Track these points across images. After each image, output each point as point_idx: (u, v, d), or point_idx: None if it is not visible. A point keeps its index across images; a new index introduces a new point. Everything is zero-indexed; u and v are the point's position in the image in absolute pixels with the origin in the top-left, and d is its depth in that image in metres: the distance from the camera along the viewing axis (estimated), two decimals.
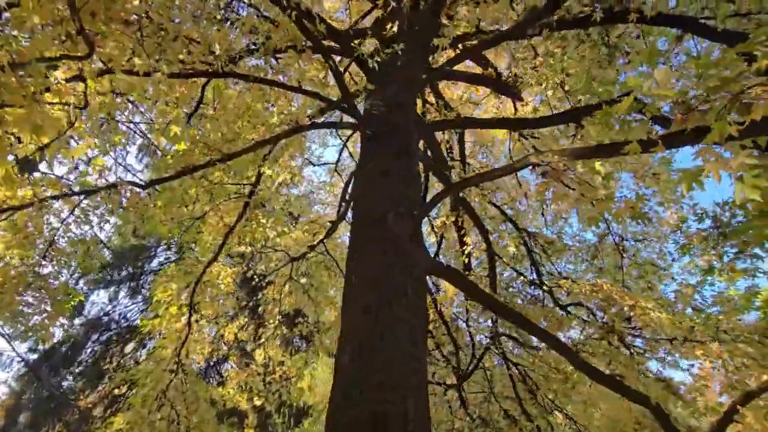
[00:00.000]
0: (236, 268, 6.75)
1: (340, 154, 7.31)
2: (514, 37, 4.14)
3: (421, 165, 4.82)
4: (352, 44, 3.47)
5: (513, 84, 4.65)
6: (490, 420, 5.80)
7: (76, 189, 3.91)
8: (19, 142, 3.12)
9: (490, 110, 7.07)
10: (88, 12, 2.22)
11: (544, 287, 5.15)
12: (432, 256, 4.64)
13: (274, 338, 7.91)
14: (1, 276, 3.73)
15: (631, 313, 4.39)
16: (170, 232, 5.59)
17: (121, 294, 12.88)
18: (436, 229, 6.37)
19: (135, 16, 2.77)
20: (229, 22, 3.93)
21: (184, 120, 4.26)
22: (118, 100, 3.83)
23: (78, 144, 3.22)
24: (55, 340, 11.63)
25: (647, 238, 5.16)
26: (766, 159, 1.36)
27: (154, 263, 13.06)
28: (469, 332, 6.19)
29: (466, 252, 5.49)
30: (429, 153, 4.95)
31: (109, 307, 12.71)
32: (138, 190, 4.52)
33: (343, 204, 6.83)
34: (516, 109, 6.25)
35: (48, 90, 2.38)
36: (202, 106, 4.78)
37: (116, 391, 8.84)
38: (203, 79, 4.49)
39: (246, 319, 8.03)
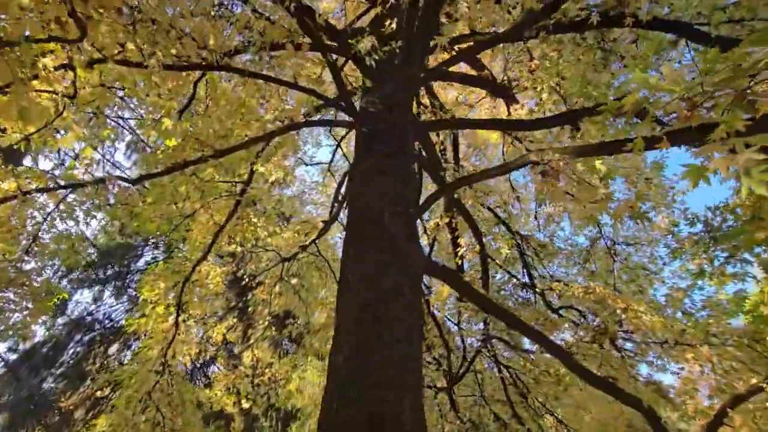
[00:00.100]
0: (226, 268, 6.64)
1: (333, 154, 7.28)
2: (511, 39, 4.16)
3: (415, 165, 4.81)
4: (350, 41, 3.44)
5: (508, 86, 4.66)
6: (480, 423, 5.77)
7: (62, 182, 3.80)
8: (3, 132, 3.02)
9: (484, 113, 7.09)
10: None
11: (537, 290, 5.16)
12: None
13: (263, 340, 7.80)
14: None
15: (623, 316, 4.41)
16: (159, 230, 5.48)
17: (106, 294, 12.61)
18: (428, 231, 6.35)
19: (127, 7, 2.70)
20: (223, 19, 3.87)
21: (175, 114, 4.18)
22: (108, 94, 3.74)
23: (65, 135, 3.12)
24: (36, 340, 11.32)
25: (639, 242, 5.21)
26: None
27: (141, 262, 12.83)
28: (461, 335, 6.17)
29: (459, 254, 5.48)
30: (423, 153, 4.93)
31: (93, 306, 12.43)
32: (127, 185, 4.42)
33: (336, 204, 6.77)
34: (509, 112, 6.27)
35: (36, 77, 2.30)
36: (194, 102, 4.70)
37: (99, 393, 8.62)
38: (196, 75, 4.42)
39: (235, 320, 7.91)
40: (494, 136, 7.13)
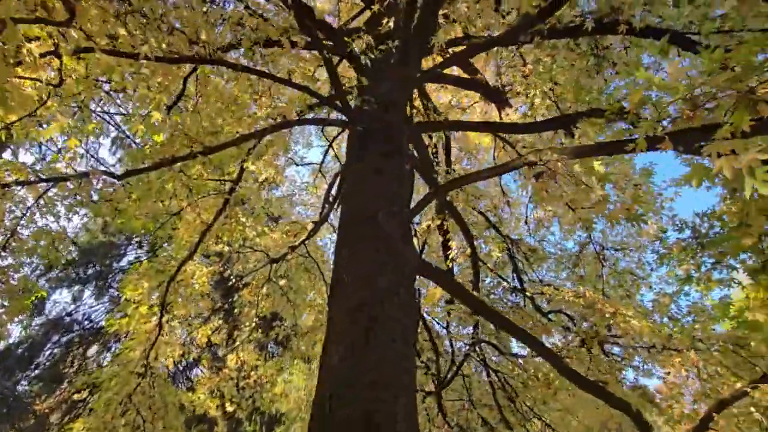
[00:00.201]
0: (212, 268, 6.51)
1: (324, 155, 7.23)
2: (506, 43, 4.18)
3: (408, 166, 4.78)
4: (345, 39, 3.40)
5: (502, 90, 4.68)
6: (468, 428, 5.75)
7: (44, 176, 3.66)
8: None
9: (476, 118, 7.12)
10: None
11: (527, 294, 5.17)
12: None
13: (249, 342, 7.66)
14: None
15: (611, 321, 4.44)
16: (144, 228, 5.33)
17: (86, 293, 12.26)
18: (419, 234, 6.33)
19: None
20: (215, 13, 3.80)
21: (164, 109, 4.08)
22: (94, 87, 3.63)
23: (48, 126, 3.00)
24: (11, 340, 10.92)
25: (627, 248, 5.27)
26: None
27: (124, 262, 12.52)
28: (450, 339, 6.15)
29: (450, 257, 5.47)
30: (416, 154, 4.92)
31: (72, 306, 12.07)
32: (112, 180, 4.28)
33: (326, 205, 6.71)
34: (501, 117, 6.31)
35: (20, 63, 2.20)
36: (183, 98, 4.60)
37: (76, 396, 8.34)
38: (186, 69, 4.32)
39: (220, 322, 7.75)
40: (486, 140, 7.17)
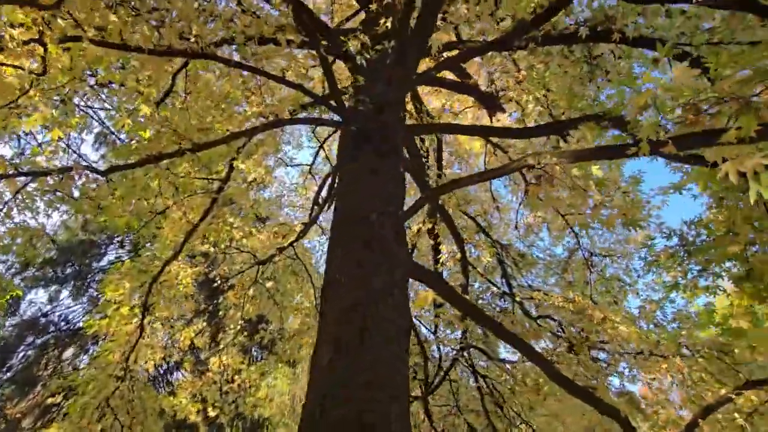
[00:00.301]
0: (197, 269, 6.36)
1: (315, 156, 7.16)
2: (500, 48, 4.19)
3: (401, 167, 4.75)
4: (342, 38, 3.37)
5: (495, 95, 4.70)
6: None
7: (23, 169, 3.51)
8: None
9: (468, 123, 7.15)
10: None
11: (516, 298, 5.18)
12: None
13: (233, 345, 7.51)
14: None
15: (599, 327, 4.47)
16: (127, 226, 5.18)
17: (64, 294, 11.87)
18: (409, 237, 6.30)
19: None
20: (206, 12, 3.73)
21: (153, 104, 3.98)
22: (79, 80, 3.51)
23: (29, 117, 2.88)
24: None
25: (615, 255, 5.34)
26: None
27: (104, 261, 12.17)
28: (438, 344, 6.12)
29: (441, 260, 5.45)
30: (408, 157, 4.90)
31: (49, 307, 11.67)
32: (95, 176, 4.14)
33: (316, 207, 6.64)
34: (492, 124, 6.35)
35: (1, 50, 2.10)
36: (172, 94, 4.49)
37: (50, 399, 8.04)
38: (176, 64, 4.23)
39: (204, 324, 7.58)
40: (477, 146, 7.20)
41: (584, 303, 4.54)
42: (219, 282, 6.90)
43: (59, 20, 2.39)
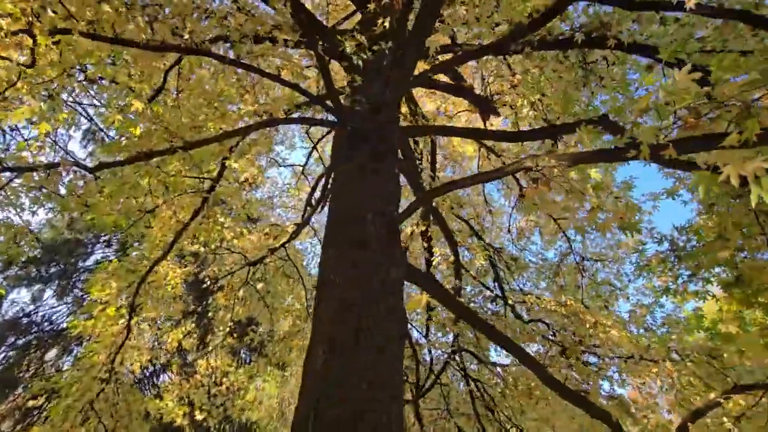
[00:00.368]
0: (187, 269, 6.26)
1: (308, 157, 7.11)
2: (495, 52, 4.20)
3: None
4: (339, 38, 3.35)
5: (490, 99, 4.72)
6: None
7: (8, 164, 3.42)
8: None
9: (462, 126, 7.17)
10: None
11: (509, 302, 5.19)
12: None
13: (222, 347, 7.40)
14: None
15: (591, 331, 4.49)
16: (115, 225, 5.08)
17: (47, 293, 11.59)
18: (403, 240, 6.28)
19: None
20: (200, 10, 3.68)
21: (145, 100, 3.90)
22: (68, 76, 3.43)
23: (16, 110, 2.79)
24: None
25: (606, 259, 5.38)
26: None
27: (90, 261, 11.93)
28: (429, 347, 6.10)
29: (434, 263, 5.44)
30: (402, 158, 4.89)
31: (32, 307, 11.39)
32: (83, 173, 4.05)
33: (308, 208, 6.59)
34: (485, 127, 6.37)
35: None
36: (164, 91, 4.42)
37: (31, 402, 7.83)
38: (169, 60, 4.16)
39: (192, 326, 7.46)
40: (470, 149, 7.22)
41: (575, 307, 4.55)
42: (208, 283, 6.79)
43: (49, 11, 2.33)
